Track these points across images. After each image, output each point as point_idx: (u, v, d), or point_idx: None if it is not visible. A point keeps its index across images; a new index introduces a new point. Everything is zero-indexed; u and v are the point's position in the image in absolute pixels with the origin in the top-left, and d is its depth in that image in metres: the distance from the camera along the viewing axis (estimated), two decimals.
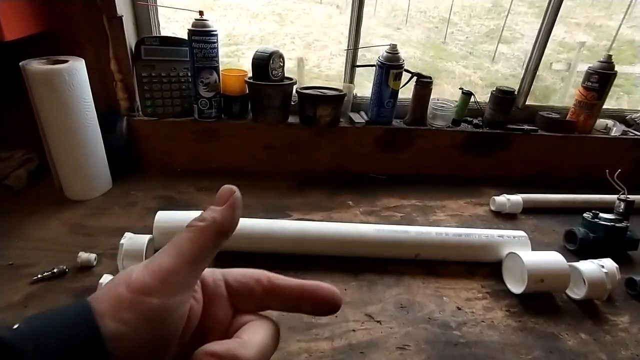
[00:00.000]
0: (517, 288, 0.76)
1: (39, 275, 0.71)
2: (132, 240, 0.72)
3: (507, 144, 1.16)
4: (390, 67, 1.02)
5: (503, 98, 1.13)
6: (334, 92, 1.06)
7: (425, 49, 5.08)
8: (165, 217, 0.78)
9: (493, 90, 1.15)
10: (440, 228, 0.83)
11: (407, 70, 1.06)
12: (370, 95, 1.11)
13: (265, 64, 0.99)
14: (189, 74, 1.05)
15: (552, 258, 0.75)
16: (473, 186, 1.15)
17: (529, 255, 0.75)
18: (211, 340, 0.21)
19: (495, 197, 1.03)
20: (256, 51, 1.01)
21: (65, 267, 0.73)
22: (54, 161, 0.93)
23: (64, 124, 0.86)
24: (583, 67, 1.27)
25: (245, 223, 0.80)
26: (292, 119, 1.10)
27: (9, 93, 0.99)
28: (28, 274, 0.72)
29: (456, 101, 1.15)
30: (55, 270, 0.72)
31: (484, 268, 0.84)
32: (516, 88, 1.17)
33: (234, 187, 0.25)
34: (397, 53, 1.02)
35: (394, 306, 0.72)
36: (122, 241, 0.71)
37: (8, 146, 1.03)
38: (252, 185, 1.07)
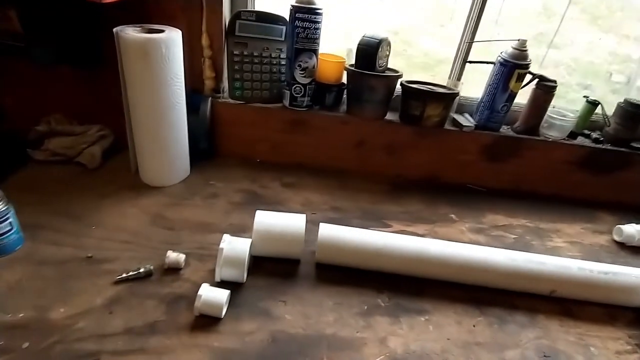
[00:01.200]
0: None
1: (124, 275, 0.62)
2: (233, 246, 0.62)
3: (628, 164, 1.01)
4: (515, 66, 0.88)
5: (633, 112, 0.98)
6: (444, 90, 0.93)
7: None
8: (265, 220, 0.67)
9: (621, 103, 0.99)
10: (582, 262, 0.70)
11: (529, 72, 0.92)
12: (481, 97, 0.97)
13: (374, 51, 0.87)
14: (282, 56, 0.94)
15: None
16: (585, 209, 1.00)
17: None
18: None
19: (621, 227, 0.89)
20: (363, 36, 0.88)
21: (151, 267, 0.64)
22: (134, 141, 0.84)
23: (152, 100, 0.76)
24: None
25: (356, 235, 0.68)
26: (389, 116, 0.98)
27: (88, 61, 0.90)
28: (109, 270, 0.63)
29: (577, 110, 1.00)
30: (141, 270, 0.63)
31: (626, 313, 0.70)
32: None
33: None
34: (526, 50, 0.88)
35: (536, 354, 0.60)
36: (221, 245, 0.61)
37: (81, 119, 0.95)
38: (342, 185, 0.96)
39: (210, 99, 0.93)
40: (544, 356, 0.60)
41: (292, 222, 0.67)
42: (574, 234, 0.90)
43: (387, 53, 0.91)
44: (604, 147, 1.00)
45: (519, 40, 0.88)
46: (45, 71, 0.91)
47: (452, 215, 0.90)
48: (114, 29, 0.73)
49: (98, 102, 0.94)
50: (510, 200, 0.99)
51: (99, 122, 0.93)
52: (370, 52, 0.87)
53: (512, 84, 0.90)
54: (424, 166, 1.01)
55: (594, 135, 1.02)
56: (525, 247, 0.83)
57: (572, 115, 0.98)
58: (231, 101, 0.95)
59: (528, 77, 0.93)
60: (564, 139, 1.00)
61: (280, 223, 0.67)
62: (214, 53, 0.90)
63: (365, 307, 0.63)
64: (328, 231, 0.68)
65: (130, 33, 0.71)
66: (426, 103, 0.89)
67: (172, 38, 0.73)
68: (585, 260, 0.80)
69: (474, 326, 0.63)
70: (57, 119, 0.91)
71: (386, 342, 0.58)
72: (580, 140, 1.01)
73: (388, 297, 0.66)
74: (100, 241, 0.69)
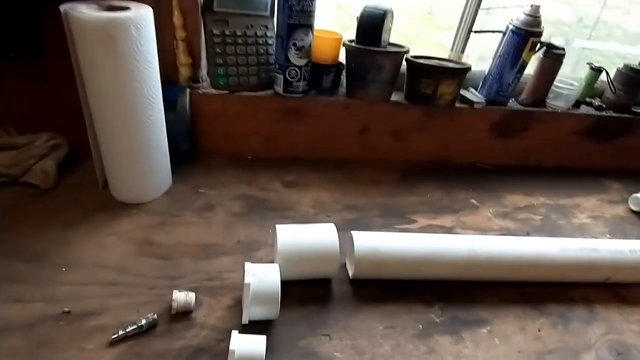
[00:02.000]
0: None
1: (120, 332, 0.48)
2: (260, 278, 0.49)
3: (630, 130, 0.99)
4: (529, 34, 0.81)
5: (633, 77, 0.95)
6: (454, 65, 0.84)
7: None
8: (290, 238, 0.55)
9: (621, 68, 0.96)
10: (631, 243, 0.66)
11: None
12: (488, 69, 0.89)
13: (379, 24, 0.75)
14: (268, 34, 0.80)
15: None
16: (593, 179, 0.98)
17: None
18: None
19: (637, 196, 0.87)
20: (365, 7, 0.76)
21: (154, 316, 0.50)
22: (101, 151, 0.67)
23: (121, 97, 0.60)
24: None
25: (394, 243, 0.58)
26: (394, 97, 0.87)
27: (25, 52, 0.70)
28: (97, 327, 0.49)
29: (581, 78, 0.96)
30: (142, 323, 0.49)
31: None
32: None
33: None
34: (539, 17, 0.81)
35: (610, 354, 0.55)
36: (247, 280, 0.48)
37: (21, 127, 0.75)
38: (349, 178, 0.85)
39: (187, 90, 0.77)
40: (618, 354, 0.55)
41: (322, 237, 0.56)
42: (593, 207, 0.87)
43: (391, 26, 0.80)
44: (607, 114, 0.97)
45: (532, 6, 0.81)
46: None
47: (473, 201, 0.83)
48: (61, 7, 0.55)
49: (43, 103, 0.75)
50: (521, 177, 0.94)
51: (47, 129, 0.74)
52: (374, 25, 0.75)
53: (525, 53, 0.83)
54: (433, 149, 0.93)
55: (596, 102, 0.99)
56: (555, 228, 0.78)
57: (577, 84, 0.94)
58: (213, 91, 0.79)
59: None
60: (569, 108, 0.96)
61: (309, 239, 0.56)
62: (188, 34, 0.73)
63: (421, 327, 0.54)
64: (364, 243, 0.57)
65: (85, 12, 0.54)
66: (439, 80, 0.80)
67: (143, 16, 0.57)
68: (612, 235, 0.77)
69: (539, 331, 0.56)
70: None
71: None
72: (584, 109, 0.98)
73: (440, 310, 0.57)
74: (77, 288, 0.54)
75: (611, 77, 0.97)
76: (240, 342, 0.45)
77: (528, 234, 0.76)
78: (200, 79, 0.79)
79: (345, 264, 0.62)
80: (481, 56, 1.00)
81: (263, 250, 0.63)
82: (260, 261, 0.60)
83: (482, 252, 0.59)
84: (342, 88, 0.87)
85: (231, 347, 0.44)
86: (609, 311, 0.61)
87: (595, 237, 0.76)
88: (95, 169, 0.70)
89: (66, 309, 0.50)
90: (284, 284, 0.51)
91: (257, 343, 0.45)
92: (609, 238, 0.77)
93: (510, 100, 0.95)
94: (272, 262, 0.58)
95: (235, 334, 0.45)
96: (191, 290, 0.53)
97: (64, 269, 0.56)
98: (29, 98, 0.75)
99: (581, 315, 0.60)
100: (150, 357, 0.46)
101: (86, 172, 0.74)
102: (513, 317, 0.58)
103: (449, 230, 0.74)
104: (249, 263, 0.51)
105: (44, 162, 0.70)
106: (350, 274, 0.59)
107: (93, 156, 0.68)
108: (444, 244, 0.59)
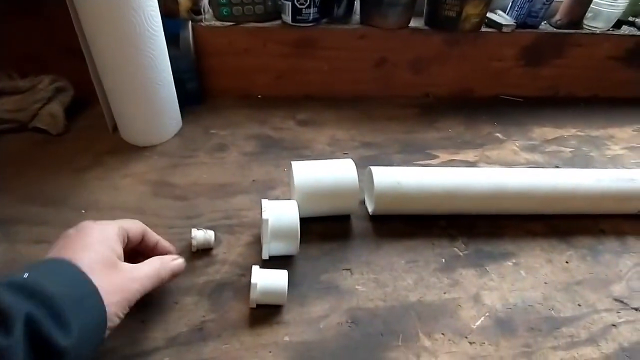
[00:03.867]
0: None
1: None
2: (279, 214, 0.48)
3: None
4: None
5: None
6: None
7: None
8: (307, 175, 0.53)
9: None
10: None
11: None
12: None
13: None
14: None
15: None
16: (629, 108, 0.90)
17: None
18: None
19: None
20: None
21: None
22: (106, 92, 0.64)
23: (120, 32, 0.56)
24: None
25: (415, 177, 0.56)
26: (412, 23, 0.80)
27: None
28: None
29: None
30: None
31: None
32: None
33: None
34: None
35: None
36: (264, 215, 0.47)
37: (22, 70, 0.72)
38: (365, 115, 0.80)
39: (190, 23, 0.71)
40: None
41: (341, 172, 0.53)
42: (628, 137, 0.81)
43: None
44: None
45: None
46: None
47: (498, 135, 0.79)
48: None
49: (41, 43, 0.71)
50: (551, 108, 0.88)
51: (48, 71, 0.71)
52: None
53: None
54: (454, 80, 0.86)
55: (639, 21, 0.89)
56: (586, 160, 0.74)
57: (621, 0, 0.83)
58: (217, 23, 0.73)
59: None
60: (608, 29, 0.86)
61: (327, 175, 0.53)
62: None
63: (444, 261, 0.53)
64: (384, 177, 0.55)
65: None
66: (465, 0, 0.72)
67: None
68: None
69: (567, 262, 0.54)
70: None
71: (480, 299, 0.49)
72: (625, 29, 0.88)
73: (464, 244, 0.56)
74: None
75: None
76: (262, 276, 0.44)
77: (557, 167, 0.72)
78: (202, 10, 0.73)
79: (364, 201, 0.60)
80: None
81: (279, 189, 0.62)
82: (277, 199, 0.58)
83: (509, 184, 0.56)
84: (356, 15, 0.80)
85: (253, 280, 0.43)
86: None
87: (630, 168, 0.72)
88: (103, 112, 0.68)
89: None
90: (303, 221, 0.49)
91: (279, 276, 0.45)
92: None
93: (543, 23, 0.86)
94: (290, 199, 0.57)
95: (256, 268, 0.45)
96: (209, 228, 0.52)
97: (83, 211, 0.56)
98: (26, 39, 0.71)
99: (612, 247, 0.57)
100: (175, 293, 0.47)
101: (94, 116, 0.71)
102: (540, 250, 0.56)
103: (472, 164, 0.70)
104: (266, 200, 0.50)
105: (51, 107, 0.68)
106: (370, 210, 0.57)
107: (99, 98, 0.66)
108: (468, 177, 0.56)
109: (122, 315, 0.35)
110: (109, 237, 0.38)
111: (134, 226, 0.42)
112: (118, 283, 0.35)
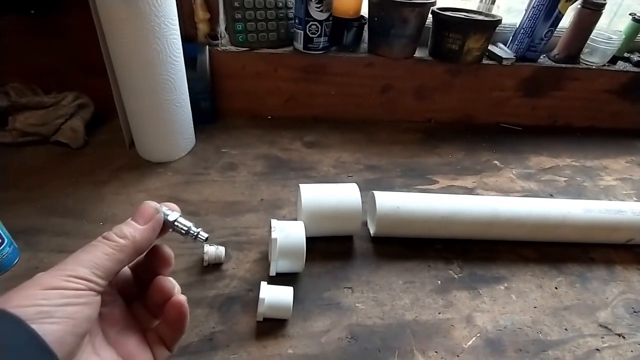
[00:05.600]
0: None
1: None
2: (287, 233, 0.51)
3: None
4: None
5: None
6: (483, 17, 0.80)
7: None
8: (314, 197, 0.56)
9: None
10: None
11: None
12: (520, 22, 0.85)
13: None
14: None
15: None
16: (624, 140, 0.94)
17: None
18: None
19: None
20: None
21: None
22: (126, 110, 0.68)
23: (143, 55, 0.60)
24: None
25: (415, 202, 0.59)
26: (417, 53, 0.84)
27: (42, 6, 0.70)
28: None
29: (621, 31, 0.90)
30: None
31: None
32: None
33: (157, 206, 0.30)
34: None
35: (626, 311, 0.55)
36: (273, 235, 0.50)
37: (46, 86, 0.76)
38: (370, 138, 0.84)
39: (207, 47, 0.76)
40: (634, 312, 0.56)
41: (345, 196, 0.57)
42: (621, 169, 0.85)
43: None
44: None
45: None
46: None
47: (496, 162, 0.82)
48: None
49: (65, 61, 0.76)
50: (548, 138, 0.92)
51: (71, 88, 0.75)
52: None
53: (562, 4, 0.78)
54: (456, 108, 0.91)
55: (635, 57, 0.93)
56: (579, 190, 0.77)
57: (616, 37, 0.88)
58: (233, 49, 0.78)
59: None
60: (604, 64, 0.91)
61: (332, 198, 0.57)
62: None
63: (439, 282, 0.56)
64: (385, 202, 0.58)
65: None
66: (467, 35, 0.76)
67: None
68: (639, 198, 0.76)
69: (556, 288, 0.57)
70: (17, 89, 0.72)
71: (473, 320, 0.52)
72: (620, 65, 0.92)
73: (459, 267, 0.59)
74: None
75: None
76: (269, 291, 0.47)
77: (551, 196, 0.75)
78: (219, 36, 0.77)
79: (366, 223, 0.63)
80: (510, 7, 0.95)
81: (286, 209, 0.65)
82: (284, 218, 0.62)
83: (503, 211, 0.60)
84: (364, 44, 0.84)
85: (261, 295, 0.46)
86: (629, 272, 0.62)
87: (621, 199, 0.75)
88: (121, 128, 0.72)
89: None
90: (308, 240, 0.53)
91: (285, 292, 0.48)
92: (635, 200, 0.76)
93: (542, 57, 0.90)
94: (296, 219, 0.60)
95: (264, 284, 0.48)
96: (219, 244, 0.56)
97: (101, 224, 0.59)
98: (51, 56, 0.76)
99: (600, 274, 0.60)
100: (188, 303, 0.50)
101: (112, 131, 0.76)
102: (531, 276, 0.59)
103: (470, 191, 0.74)
104: (275, 220, 0.53)
105: (73, 122, 0.72)
106: (372, 232, 0.60)
107: (119, 115, 0.70)
108: (465, 203, 0.60)
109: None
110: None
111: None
112: None
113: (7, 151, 0.70)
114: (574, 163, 0.85)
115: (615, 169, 0.85)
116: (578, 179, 0.80)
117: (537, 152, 0.87)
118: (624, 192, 0.78)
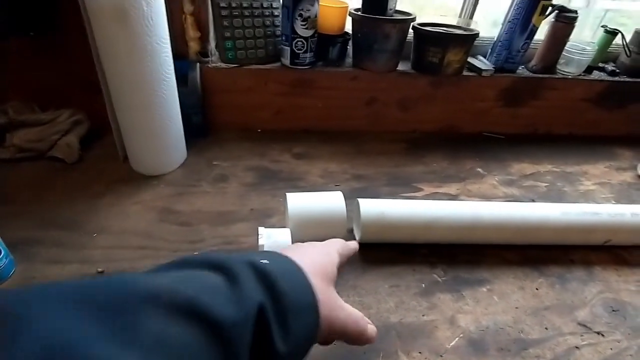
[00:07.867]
0: None
1: None
2: (273, 240, 0.53)
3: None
4: None
5: None
6: (462, 31, 0.83)
7: None
8: (300, 205, 0.59)
9: (639, 29, 0.94)
10: (634, 207, 0.67)
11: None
12: (497, 35, 0.89)
13: None
14: (274, 5, 0.81)
15: None
16: (604, 146, 0.98)
17: None
18: None
19: None
20: None
21: None
22: (120, 125, 0.71)
23: (136, 73, 0.63)
24: None
25: (399, 209, 0.61)
26: (400, 66, 0.88)
27: (41, 28, 0.73)
28: None
29: (594, 42, 0.94)
30: None
31: None
32: None
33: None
34: None
35: (605, 310, 0.58)
36: (260, 242, 0.52)
37: (43, 103, 0.79)
38: (357, 149, 0.87)
39: (198, 64, 0.79)
40: (612, 310, 0.58)
41: (330, 203, 0.59)
42: (600, 174, 0.88)
43: None
44: (620, 79, 0.96)
45: None
46: None
47: (479, 169, 0.85)
48: None
49: (62, 79, 0.78)
50: (530, 145, 0.95)
51: (67, 105, 0.78)
52: None
53: (535, 17, 0.82)
54: (440, 118, 0.94)
55: (609, 67, 0.97)
56: (559, 195, 0.80)
57: (590, 48, 0.92)
58: (223, 65, 0.81)
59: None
60: (580, 74, 0.95)
61: (318, 206, 0.59)
62: (195, 7, 0.75)
63: (424, 286, 0.58)
64: (370, 208, 0.60)
65: None
66: (447, 48, 0.80)
67: None
68: (617, 201, 0.79)
69: (537, 289, 0.59)
70: (16, 107, 0.75)
71: (456, 321, 0.54)
72: (596, 74, 0.96)
73: (443, 271, 0.61)
74: (109, 251, 0.59)
75: (627, 41, 0.95)
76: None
77: (533, 201, 0.77)
78: (209, 53, 0.81)
79: (352, 230, 0.65)
80: (495, 21, 0.99)
81: (275, 217, 0.67)
82: (273, 227, 0.64)
83: (485, 216, 0.62)
84: (349, 59, 0.88)
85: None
86: (607, 272, 0.64)
87: (599, 203, 0.78)
88: (115, 143, 0.74)
89: (100, 269, 0.55)
90: None
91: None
92: (614, 204, 0.79)
93: (520, 67, 0.94)
94: (284, 227, 0.62)
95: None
96: (212, 252, 0.58)
97: (95, 235, 0.61)
98: (49, 75, 0.78)
99: (579, 275, 0.63)
100: None
101: (106, 146, 0.78)
102: (513, 278, 0.61)
103: (454, 197, 0.76)
104: (262, 227, 0.55)
105: (68, 138, 0.75)
106: (357, 238, 0.63)
107: (113, 131, 0.72)
108: (448, 209, 0.62)
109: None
110: (333, 261, 0.40)
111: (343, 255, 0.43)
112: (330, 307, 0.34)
113: (5, 167, 0.72)
114: (554, 169, 0.88)
115: (594, 174, 0.88)
116: (558, 184, 0.83)
117: (519, 159, 0.90)
118: (603, 196, 0.81)
